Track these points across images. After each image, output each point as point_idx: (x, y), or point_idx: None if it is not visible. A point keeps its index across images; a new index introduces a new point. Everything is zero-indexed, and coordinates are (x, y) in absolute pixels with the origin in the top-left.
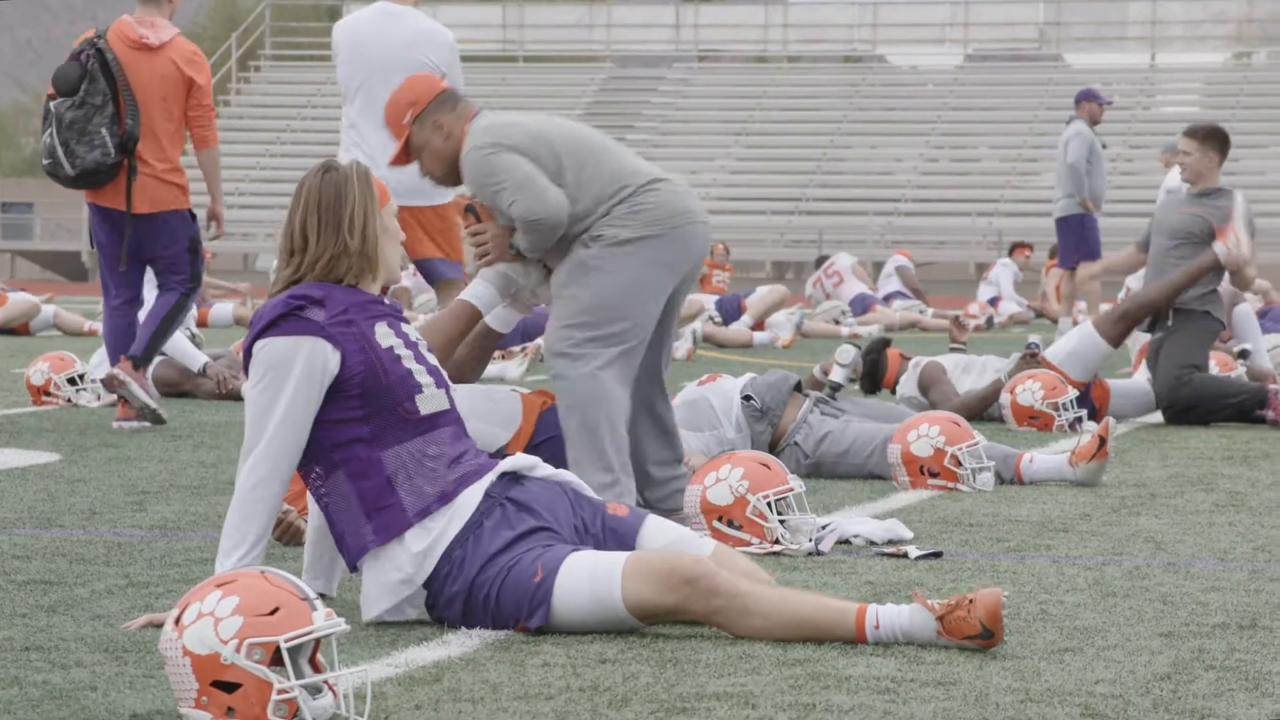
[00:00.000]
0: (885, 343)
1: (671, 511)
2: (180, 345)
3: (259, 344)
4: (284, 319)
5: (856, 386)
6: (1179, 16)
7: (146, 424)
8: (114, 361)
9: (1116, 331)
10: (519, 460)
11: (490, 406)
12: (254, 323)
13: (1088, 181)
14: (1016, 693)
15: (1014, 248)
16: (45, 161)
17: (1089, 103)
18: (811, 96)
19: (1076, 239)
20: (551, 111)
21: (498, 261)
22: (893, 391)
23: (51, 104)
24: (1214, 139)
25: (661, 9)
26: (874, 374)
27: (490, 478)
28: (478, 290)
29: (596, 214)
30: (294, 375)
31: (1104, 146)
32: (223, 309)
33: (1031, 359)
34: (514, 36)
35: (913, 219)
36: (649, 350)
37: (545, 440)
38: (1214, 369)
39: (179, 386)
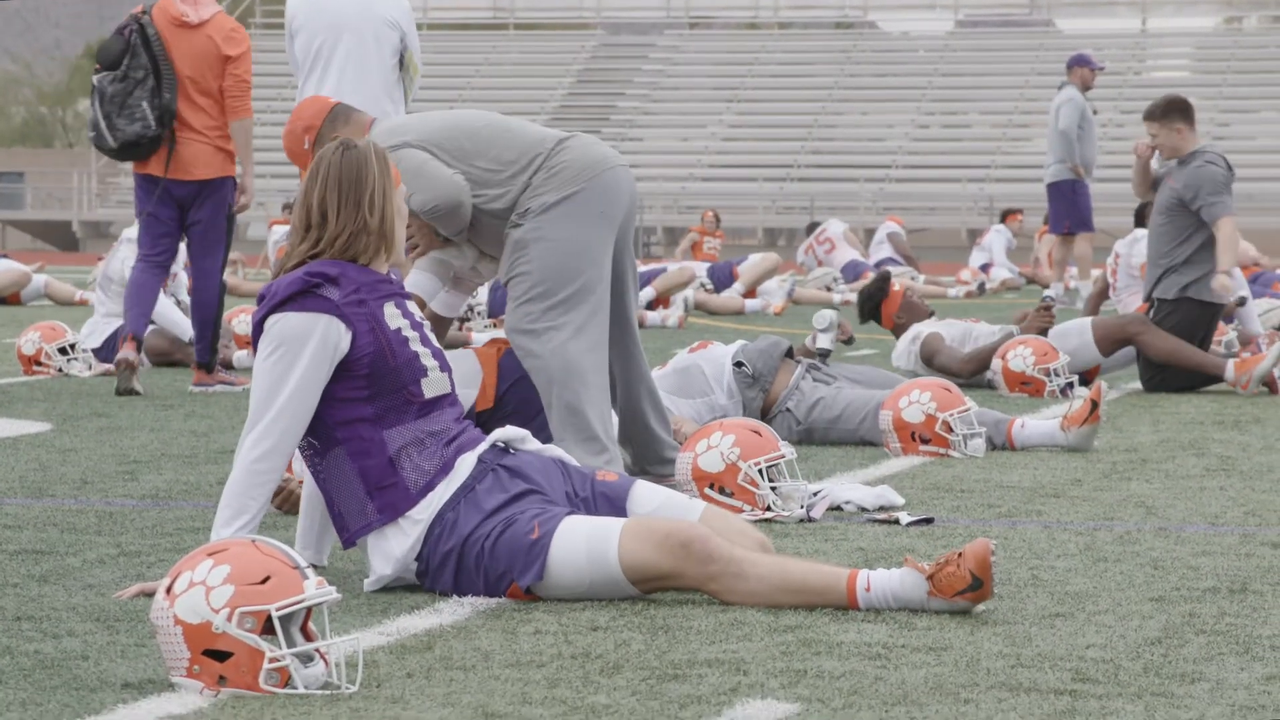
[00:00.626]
0: (885, 277)
1: (663, 477)
2: (171, 315)
3: (273, 318)
4: (301, 295)
5: (863, 351)
6: None
7: (234, 386)
8: (128, 322)
9: (1110, 346)
10: (509, 432)
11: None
12: (267, 297)
13: (1079, 147)
14: (1007, 657)
15: (1006, 214)
16: (90, 134)
17: (1080, 68)
18: (803, 63)
19: (1068, 205)
20: (542, 79)
21: (429, 250)
22: (893, 331)
23: (95, 78)
24: (1173, 111)
25: None
26: (874, 306)
27: (483, 446)
28: (417, 280)
29: (517, 189)
30: (308, 351)
31: (1095, 112)
32: None
33: (1046, 311)
34: (504, 4)
35: (904, 185)
36: (614, 307)
37: (512, 385)
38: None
39: (170, 356)
